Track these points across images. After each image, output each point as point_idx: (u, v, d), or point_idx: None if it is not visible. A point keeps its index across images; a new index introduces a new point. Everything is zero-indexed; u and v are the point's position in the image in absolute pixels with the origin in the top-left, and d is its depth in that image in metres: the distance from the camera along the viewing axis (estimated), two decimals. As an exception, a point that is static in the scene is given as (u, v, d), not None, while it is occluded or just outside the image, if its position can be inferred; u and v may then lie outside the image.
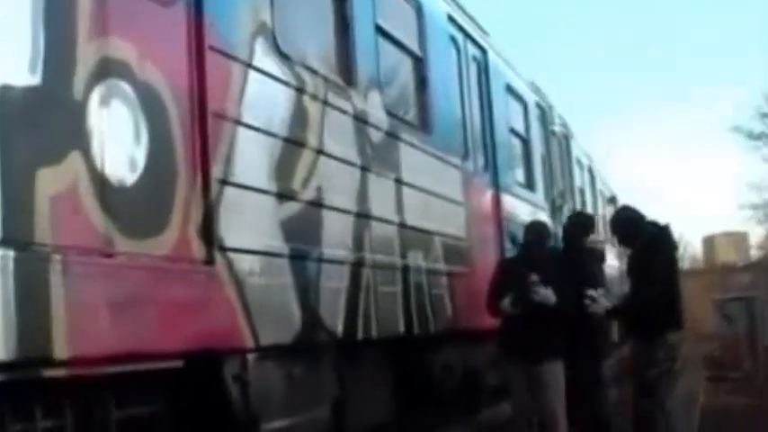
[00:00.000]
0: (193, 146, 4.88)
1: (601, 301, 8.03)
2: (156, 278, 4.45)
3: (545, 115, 13.65)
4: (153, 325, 4.38)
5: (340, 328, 6.20)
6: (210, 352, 4.87)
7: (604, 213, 19.81)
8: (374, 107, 7.15)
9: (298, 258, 5.71)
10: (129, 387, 4.44)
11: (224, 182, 5.04)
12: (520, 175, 11.84)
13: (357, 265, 6.54)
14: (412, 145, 7.89)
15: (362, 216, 6.71)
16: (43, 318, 3.70)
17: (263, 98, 5.55)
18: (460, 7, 9.91)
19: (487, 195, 10.23)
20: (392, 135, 7.46)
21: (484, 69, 10.56)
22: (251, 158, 5.35)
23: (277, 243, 5.51)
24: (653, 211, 8.89)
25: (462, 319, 8.81)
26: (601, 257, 9.70)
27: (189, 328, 4.63)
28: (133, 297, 4.25)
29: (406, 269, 7.45)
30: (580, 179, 17.03)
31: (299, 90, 5.98)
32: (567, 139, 15.47)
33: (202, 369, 4.94)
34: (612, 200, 22.22)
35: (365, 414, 6.86)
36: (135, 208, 4.41)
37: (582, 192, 17.16)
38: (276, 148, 5.63)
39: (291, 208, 5.73)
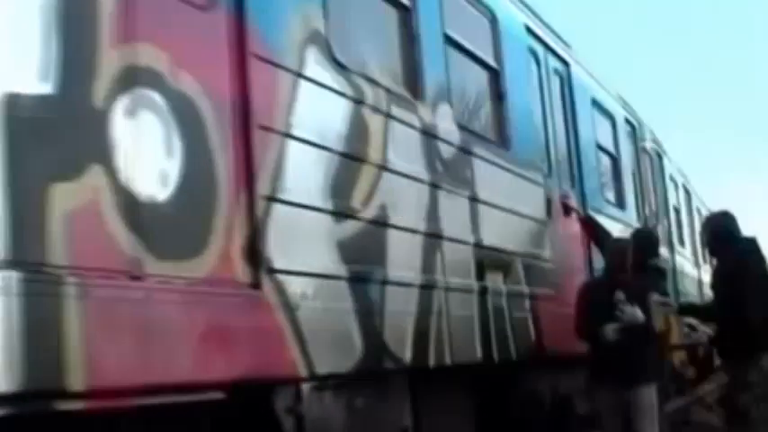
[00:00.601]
0: (236, 160, 4.53)
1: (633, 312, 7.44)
2: (192, 302, 4.10)
3: (635, 131, 13.06)
4: (188, 353, 4.02)
5: (408, 355, 5.78)
6: (258, 382, 4.49)
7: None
8: (444, 121, 6.74)
9: (358, 281, 5.32)
10: (164, 422, 4.09)
11: (271, 199, 4.68)
12: (609, 193, 11.28)
13: (427, 288, 6.11)
14: (488, 161, 7.45)
15: (432, 236, 6.29)
16: (56, 345, 3.36)
17: (316, 110, 5.19)
18: (539, 18, 9.46)
19: (574, 213, 9.70)
20: (465, 150, 7.04)
21: (567, 83, 10.08)
22: (303, 174, 4.98)
23: (334, 264, 5.13)
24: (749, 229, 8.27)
25: (548, 344, 8.31)
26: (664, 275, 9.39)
27: (231, 356, 4.26)
28: (165, 322, 3.90)
29: (483, 292, 7.00)
30: (674, 197, 16.31)
31: (358, 102, 5.61)
32: (659, 155, 14.81)
33: (251, 401, 4.57)
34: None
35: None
36: (168, 226, 4.07)
37: (677, 210, 16.42)
38: (333, 163, 5.26)
39: (351, 227, 5.34)
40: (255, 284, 4.50)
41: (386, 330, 5.54)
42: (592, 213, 9.99)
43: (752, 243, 7.64)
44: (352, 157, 5.43)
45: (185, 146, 4.21)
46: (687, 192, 18.34)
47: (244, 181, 4.54)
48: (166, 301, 3.96)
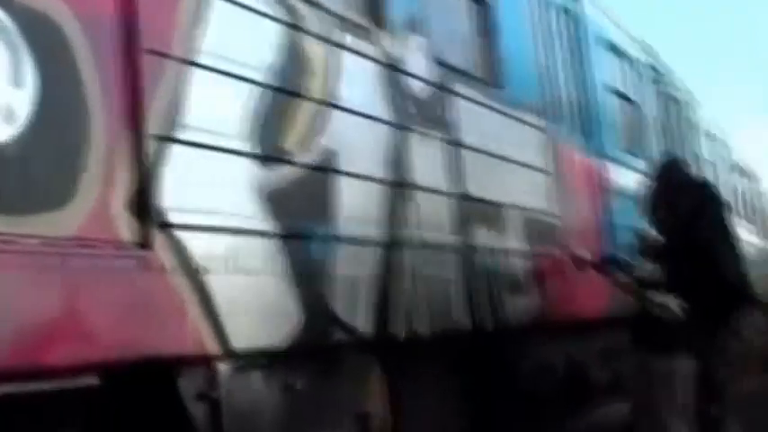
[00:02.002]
0: (117, 92, 3.67)
1: None
2: (50, 267, 3.25)
3: (661, 79, 12.02)
4: (44, 330, 3.19)
5: (365, 326, 4.91)
6: (146, 363, 3.65)
7: (742, 190, 18.06)
8: (416, 54, 5.84)
9: (292, 238, 4.46)
10: (22, 414, 3.26)
11: (166, 138, 3.82)
12: (628, 141, 10.30)
13: (390, 246, 5.24)
14: (474, 101, 6.54)
15: (398, 185, 5.41)
16: None
17: (235, 34, 4.32)
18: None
19: (585, 164, 8.76)
20: (444, 88, 6.13)
21: (575, 20, 9.10)
22: (214, 110, 4.12)
23: (259, 218, 4.27)
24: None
25: (556, 308, 7.41)
26: None
27: (107, 333, 3.42)
28: (8, 292, 3.07)
29: (467, 249, 6.10)
30: (710, 153, 15.21)
31: (294, 27, 4.72)
32: (691, 107, 13.72)
33: (149, 386, 3.74)
34: (753, 178, 20.22)
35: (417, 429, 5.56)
36: (13, 173, 3.22)
37: (713, 166, 15.30)
38: (256, 97, 4.39)
39: (283, 173, 4.48)
40: (143, 243, 3.65)
41: (333, 296, 4.68)
42: (606, 161, 9.05)
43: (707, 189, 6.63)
44: (284, 92, 4.55)
45: (42, 75, 3.35)
46: (726, 148, 17.20)
47: (127, 117, 3.68)
48: (11, 266, 3.12)
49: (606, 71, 9.66)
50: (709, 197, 6.52)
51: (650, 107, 11.21)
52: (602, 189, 8.94)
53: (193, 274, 3.83)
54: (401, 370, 5.50)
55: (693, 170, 12.60)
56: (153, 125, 3.76)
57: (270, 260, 4.28)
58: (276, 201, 4.37)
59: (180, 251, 3.78)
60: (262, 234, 4.26)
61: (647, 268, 6.40)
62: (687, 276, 6.14)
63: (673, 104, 12.48)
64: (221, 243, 4.01)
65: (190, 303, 3.80)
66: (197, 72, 4.05)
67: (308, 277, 4.52)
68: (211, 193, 4.01)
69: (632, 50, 10.79)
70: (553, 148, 7.91)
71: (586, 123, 8.91)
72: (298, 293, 4.42)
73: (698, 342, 6.16)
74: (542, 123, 7.76)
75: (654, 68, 11.72)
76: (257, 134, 4.32)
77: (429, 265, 5.59)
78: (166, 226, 3.74)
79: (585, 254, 7.25)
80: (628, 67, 10.62)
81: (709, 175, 14.62)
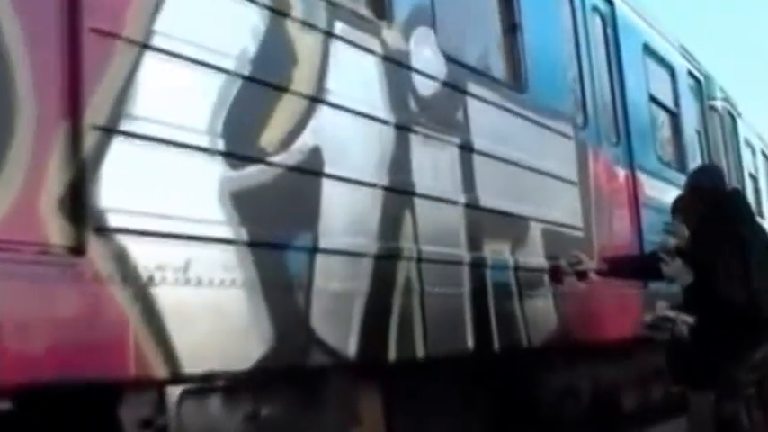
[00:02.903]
0: (53, 77, 3.20)
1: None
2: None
3: (701, 87, 11.39)
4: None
5: (353, 346, 4.39)
6: (80, 387, 3.16)
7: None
8: (423, 49, 5.32)
9: (267, 247, 3.96)
10: None
11: (111, 131, 3.34)
12: (666, 152, 9.69)
13: (387, 258, 4.72)
14: (491, 102, 6.01)
15: (397, 192, 4.88)
16: None
17: (200, 17, 3.85)
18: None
19: (618, 175, 8.18)
20: (455, 87, 5.61)
21: (611, 23, 8.53)
22: (173, 100, 3.64)
23: (220, 224, 3.77)
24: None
25: (581, 328, 6.84)
26: None
27: (25, 351, 2.94)
28: None
29: (478, 264, 5.56)
30: (751, 163, 14.49)
31: (276, 12, 4.23)
32: (731, 116, 13.05)
33: (84, 412, 3.26)
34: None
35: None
36: None
37: (753, 178, 14.58)
38: (227, 88, 3.90)
39: (251, 175, 3.97)
40: (76, 249, 3.16)
41: (314, 313, 4.16)
42: (641, 173, 8.46)
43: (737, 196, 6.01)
44: (260, 83, 4.05)
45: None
46: (766, 157, 16.44)
47: (64, 104, 3.21)
48: None
49: (643, 78, 9.08)
50: (725, 204, 5.91)
51: (690, 117, 10.59)
52: (637, 203, 8.34)
53: (137, 285, 3.34)
54: (400, 395, 4.98)
55: (733, 181, 11.97)
56: (94, 115, 3.28)
57: (234, 271, 3.77)
58: (246, 205, 3.88)
59: (121, 259, 3.29)
60: (225, 242, 3.75)
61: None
62: (696, 292, 5.62)
63: (714, 114, 11.83)
64: (173, 251, 3.51)
65: (132, 319, 3.30)
66: (155, 57, 3.57)
67: (282, 291, 4.02)
68: (164, 194, 3.52)
69: (671, 57, 10.19)
70: (582, 158, 7.35)
71: (621, 132, 8.34)
72: (269, 310, 3.91)
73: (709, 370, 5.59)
74: (571, 131, 7.20)
75: (694, 76, 11.09)
76: (225, 129, 3.83)
77: (433, 281, 5.05)
78: (104, 230, 3.25)
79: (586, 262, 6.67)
80: (666, 74, 10.02)
81: (750, 186, 13.95)
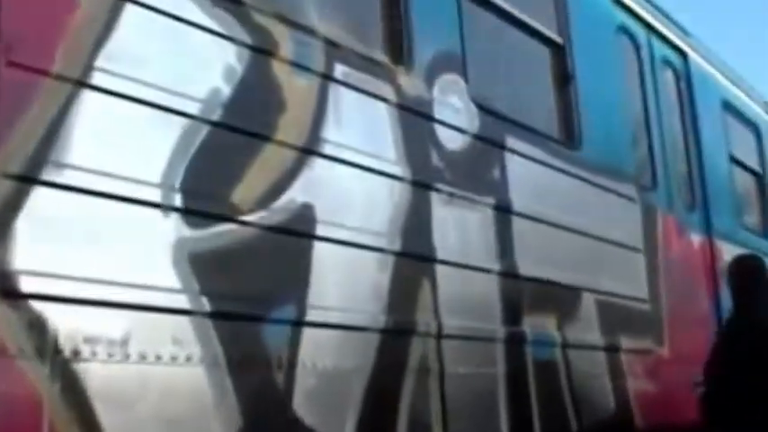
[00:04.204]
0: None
1: None
2: None
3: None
4: None
5: (350, 436, 3.77)
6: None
7: None
8: (450, 98, 4.75)
9: (236, 319, 3.39)
10: None
11: (28, 179, 2.83)
12: (749, 218, 8.88)
13: (398, 334, 4.10)
14: (535, 159, 5.40)
15: (413, 257, 4.28)
16: None
17: (162, 53, 3.33)
18: (640, -7, 7.33)
19: (693, 243, 7.43)
20: (489, 141, 5.01)
21: (684, 77, 7.85)
22: (117, 147, 3.11)
23: (175, 291, 3.21)
24: None
25: (644, 417, 6.09)
26: None
27: None
28: None
29: (515, 340, 4.90)
30: None
31: (266, 53, 3.71)
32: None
33: None
34: None
35: None
36: None
37: None
38: (192, 133, 3.38)
39: (221, 235, 3.42)
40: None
41: (299, 395, 3.56)
42: (721, 242, 7.68)
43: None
44: (235, 130, 3.52)
45: None
46: None
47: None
48: None
49: (722, 137, 8.34)
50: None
51: (778, 179, 9.77)
52: (715, 274, 7.56)
53: (57, 361, 2.79)
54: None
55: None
56: (7, 161, 2.77)
57: (190, 346, 3.20)
58: (210, 270, 3.32)
59: (36, 330, 2.75)
60: (178, 312, 3.19)
61: None
62: None
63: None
64: (108, 322, 2.96)
65: (48, 402, 2.75)
66: (96, 97, 3.06)
67: (256, 370, 3.43)
68: (97, 255, 2.98)
69: (755, 114, 9.41)
70: (649, 223, 6.64)
71: (697, 196, 7.60)
72: (237, 391, 3.32)
73: None
74: (635, 193, 6.51)
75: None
76: (185, 182, 3.29)
77: (457, 359, 4.41)
78: (14, 295, 2.72)
79: None
80: (750, 133, 9.24)
81: None
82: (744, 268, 5.72)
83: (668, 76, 7.62)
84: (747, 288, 5.55)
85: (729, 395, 5.23)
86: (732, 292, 5.75)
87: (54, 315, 2.81)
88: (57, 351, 2.80)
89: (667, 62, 7.61)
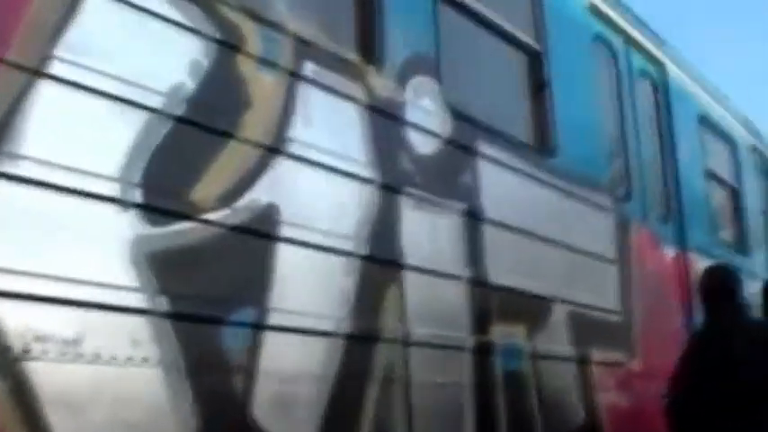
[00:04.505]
0: None
1: None
2: None
3: (767, 164, 10.53)
4: None
5: (310, 444, 3.66)
6: None
7: None
8: (422, 101, 4.66)
9: (195, 320, 3.28)
10: None
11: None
12: (724, 232, 8.84)
13: (361, 340, 4.01)
14: (509, 166, 5.31)
15: (378, 261, 4.18)
16: None
17: (123, 45, 3.23)
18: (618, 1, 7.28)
19: (667, 255, 7.37)
20: (461, 146, 4.93)
21: (661, 89, 7.81)
22: (68, 140, 3.02)
23: (133, 289, 3.11)
24: None
25: (616, 425, 6.01)
26: None
27: None
28: None
29: (483, 350, 4.82)
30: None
31: (233, 49, 3.61)
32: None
33: None
34: None
35: None
36: None
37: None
38: (151, 129, 3.27)
39: (181, 233, 3.32)
40: None
41: (259, 400, 3.46)
42: (694, 254, 7.63)
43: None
44: (197, 125, 3.42)
45: None
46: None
47: None
48: None
49: (699, 150, 8.30)
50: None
51: (754, 195, 9.72)
52: (687, 286, 7.50)
53: (5, 359, 2.68)
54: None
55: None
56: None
57: (148, 347, 3.10)
58: (169, 269, 3.22)
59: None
60: (136, 312, 3.09)
61: None
62: None
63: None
64: (61, 320, 2.86)
65: (-12, 402, 2.64)
66: (53, 87, 2.96)
67: (215, 373, 3.32)
68: (51, 250, 2.87)
69: (732, 129, 9.38)
70: (623, 234, 6.58)
71: (672, 208, 7.55)
72: (195, 394, 3.22)
73: None
74: (609, 203, 6.45)
75: (759, 152, 10.24)
76: (145, 178, 3.19)
77: (423, 368, 4.32)
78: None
79: None
80: (727, 148, 9.21)
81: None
82: (715, 277, 5.67)
83: (645, 86, 7.57)
84: (717, 296, 5.49)
85: (701, 403, 5.16)
86: (703, 301, 5.69)
87: (3, 312, 2.70)
88: (5, 349, 2.69)
89: (645, 73, 7.57)
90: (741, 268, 8.07)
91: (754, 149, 10.02)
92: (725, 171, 9.04)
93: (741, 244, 9.07)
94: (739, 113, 9.72)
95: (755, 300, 6.06)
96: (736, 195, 9.22)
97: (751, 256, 9.15)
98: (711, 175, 8.58)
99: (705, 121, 8.59)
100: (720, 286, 5.54)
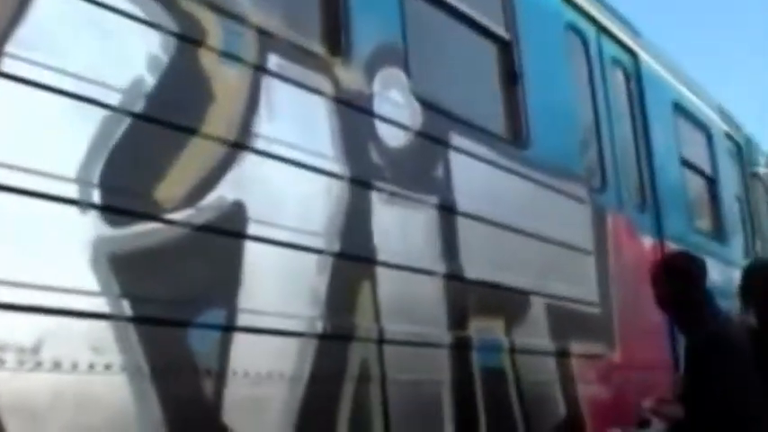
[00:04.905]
0: None
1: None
2: None
3: (741, 151, 10.49)
4: None
5: (284, 447, 3.55)
6: None
7: None
8: (390, 93, 4.56)
9: (160, 324, 3.17)
10: None
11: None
12: (701, 221, 8.78)
13: (331, 339, 3.90)
14: (481, 158, 5.22)
15: (349, 257, 4.08)
16: None
17: (70, 37, 3.11)
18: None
19: (645, 245, 7.30)
20: (432, 138, 4.83)
21: (634, 78, 7.74)
22: (18, 139, 2.89)
23: (92, 294, 2.99)
24: None
25: (598, 423, 5.93)
26: None
27: None
28: None
29: (460, 346, 4.72)
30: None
31: (193, 43, 3.50)
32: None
33: None
34: None
35: None
36: None
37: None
38: (108, 127, 3.15)
39: (143, 234, 3.21)
40: None
41: (229, 403, 3.35)
42: (672, 243, 7.56)
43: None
44: (156, 122, 3.31)
45: None
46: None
47: None
48: None
49: (673, 139, 8.24)
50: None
51: (729, 183, 9.68)
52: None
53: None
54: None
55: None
56: None
57: (110, 353, 2.98)
58: (131, 271, 3.10)
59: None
60: (96, 317, 2.97)
61: None
62: None
63: (757, 181, 10.90)
64: (17, 327, 2.74)
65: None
66: (4, 85, 2.84)
67: (182, 378, 3.21)
68: (3, 253, 2.75)
69: (706, 117, 9.33)
70: (599, 224, 6.50)
71: (648, 198, 7.48)
72: (161, 400, 3.11)
73: None
74: (585, 194, 6.37)
75: (733, 139, 10.21)
76: (103, 177, 3.07)
77: (399, 366, 4.22)
78: None
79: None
80: (701, 136, 9.16)
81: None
82: None
83: (618, 75, 7.51)
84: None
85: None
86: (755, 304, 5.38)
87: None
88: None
89: (617, 62, 7.49)
90: (717, 254, 8.06)
91: (728, 136, 9.98)
92: (700, 159, 8.99)
93: (718, 232, 9.03)
94: (713, 101, 9.68)
95: (732, 287, 5.98)
96: (712, 183, 9.17)
97: (728, 245, 9.10)
98: (687, 164, 8.52)
99: (679, 110, 8.54)
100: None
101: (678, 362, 7.07)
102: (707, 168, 9.13)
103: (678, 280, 4.95)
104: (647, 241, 7.36)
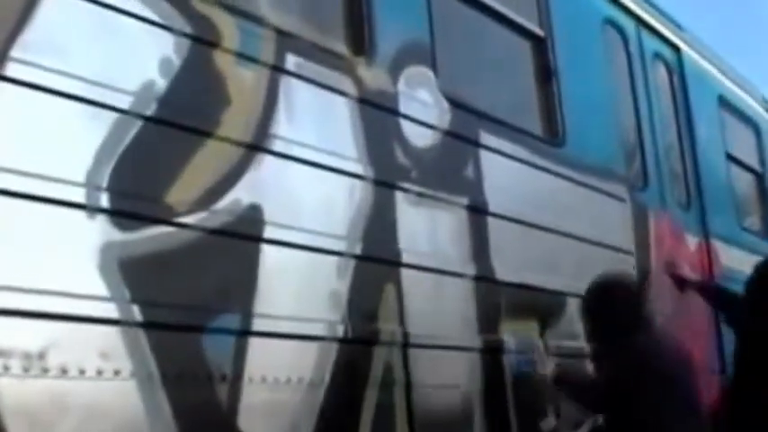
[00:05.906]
0: None
1: None
2: None
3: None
4: None
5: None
6: None
7: None
8: (418, 92, 4.48)
9: (173, 330, 3.12)
10: None
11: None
12: (748, 218, 8.58)
13: (354, 343, 3.82)
14: (514, 157, 5.12)
15: (371, 260, 4.00)
16: None
17: (84, 43, 3.07)
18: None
19: (688, 244, 7.14)
20: (462, 137, 4.74)
21: (678, 73, 7.57)
22: (24, 144, 2.86)
23: (102, 299, 2.95)
24: None
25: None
26: None
27: None
28: None
29: (492, 350, 4.62)
30: None
31: (208, 45, 3.45)
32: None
33: None
34: None
35: None
36: None
37: None
38: (121, 131, 3.11)
39: (155, 238, 3.15)
40: None
41: (250, 416, 3.30)
42: (718, 243, 7.39)
43: None
44: (170, 125, 3.25)
45: None
46: None
47: None
48: None
49: (719, 134, 8.05)
50: None
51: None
52: (711, 274, 7.27)
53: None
54: None
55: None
56: None
57: (119, 360, 2.94)
58: (142, 276, 3.06)
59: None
60: (105, 322, 2.93)
61: None
62: None
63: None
64: (23, 333, 2.71)
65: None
66: (8, 90, 2.80)
67: (197, 384, 3.16)
68: (11, 258, 2.72)
69: (753, 111, 9.11)
70: (640, 223, 6.36)
71: (692, 195, 7.31)
72: (174, 407, 3.06)
73: None
74: (624, 192, 6.23)
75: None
76: (113, 181, 3.02)
77: (426, 370, 4.14)
78: None
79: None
80: (748, 130, 8.95)
81: None
82: None
83: (660, 71, 7.34)
84: None
85: None
86: None
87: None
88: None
89: (659, 57, 7.34)
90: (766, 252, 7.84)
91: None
92: (747, 155, 8.78)
93: (765, 228, 8.81)
94: (759, 95, 9.46)
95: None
96: (759, 179, 8.96)
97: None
98: (734, 159, 8.33)
99: (725, 105, 8.34)
100: None
101: (725, 364, 6.92)
102: (755, 164, 8.91)
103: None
104: (692, 240, 7.18)
